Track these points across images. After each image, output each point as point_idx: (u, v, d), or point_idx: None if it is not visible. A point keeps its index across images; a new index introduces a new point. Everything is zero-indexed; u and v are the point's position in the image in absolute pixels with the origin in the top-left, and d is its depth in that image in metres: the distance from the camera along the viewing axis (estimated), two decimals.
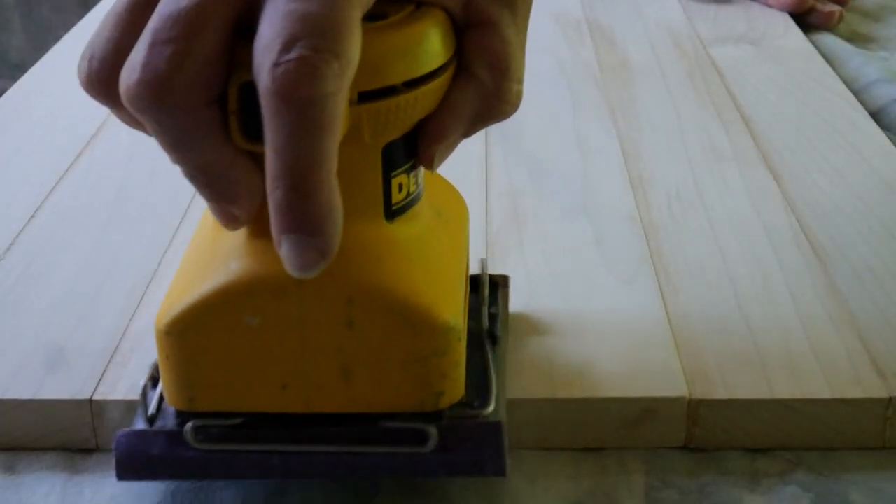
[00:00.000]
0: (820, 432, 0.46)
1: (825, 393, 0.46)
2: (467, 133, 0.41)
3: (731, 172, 0.65)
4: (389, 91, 0.38)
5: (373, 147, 0.39)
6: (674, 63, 0.83)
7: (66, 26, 0.94)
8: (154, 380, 0.43)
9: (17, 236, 0.59)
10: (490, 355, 0.45)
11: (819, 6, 0.94)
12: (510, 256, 0.56)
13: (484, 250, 0.57)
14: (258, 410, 0.41)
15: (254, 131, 0.35)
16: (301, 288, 0.38)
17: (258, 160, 0.36)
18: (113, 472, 0.41)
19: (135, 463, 0.41)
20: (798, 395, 0.46)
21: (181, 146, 0.36)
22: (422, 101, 0.39)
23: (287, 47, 0.33)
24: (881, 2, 1.02)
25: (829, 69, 0.81)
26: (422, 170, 0.42)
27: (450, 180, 0.64)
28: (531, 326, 0.50)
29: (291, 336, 0.39)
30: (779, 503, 0.43)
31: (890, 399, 0.46)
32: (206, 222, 0.43)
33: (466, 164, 0.67)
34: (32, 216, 0.61)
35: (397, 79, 0.38)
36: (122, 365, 0.48)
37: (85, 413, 0.46)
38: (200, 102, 0.35)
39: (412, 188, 0.41)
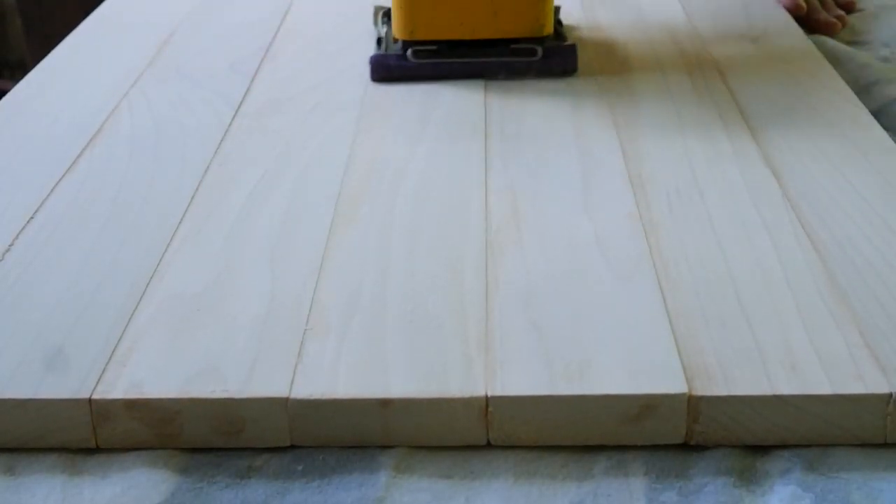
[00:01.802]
0: (821, 428, 0.46)
1: (826, 389, 0.46)
2: None
3: (730, 169, 0.65)
4: None
5: None
6: (673, 61, 0.83)
7: (68, 28, 0.94)
8: (384, 22, 0.85)
9: (17, 236, 0.59)
10: (561, 28, 0.84)
11: (815, 14, 0.94)
12: (510, 254, 0.56)
13: (484, 247, 0.57)
14: (446, 38, 0.79)
15: None
16: None
17: None
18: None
19: (381, 71, 0.79)
20: (798, 391, 0.46)
21: None
22: None
23: None
24: (881, 2, 1.02)
25: (829, 67, 0.81)
26: None
27: (449, 177, 0.65)
28: (531, 323, 0.50)
29: None
30: (779, 503, 0.43)
31: (891, 395, 0.45)
32: None
33: (466, 162, 0.67)
34: (32, 216, 0.61)
35: None
36: (121, 364, 0.48)
37: (84, 412, 0.46)
38: None
39: None
